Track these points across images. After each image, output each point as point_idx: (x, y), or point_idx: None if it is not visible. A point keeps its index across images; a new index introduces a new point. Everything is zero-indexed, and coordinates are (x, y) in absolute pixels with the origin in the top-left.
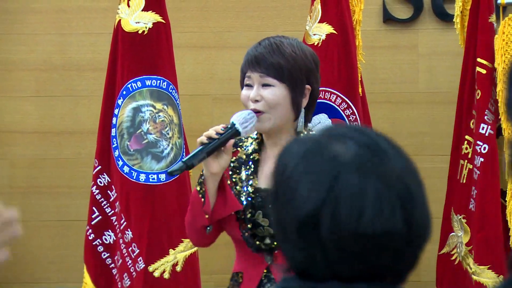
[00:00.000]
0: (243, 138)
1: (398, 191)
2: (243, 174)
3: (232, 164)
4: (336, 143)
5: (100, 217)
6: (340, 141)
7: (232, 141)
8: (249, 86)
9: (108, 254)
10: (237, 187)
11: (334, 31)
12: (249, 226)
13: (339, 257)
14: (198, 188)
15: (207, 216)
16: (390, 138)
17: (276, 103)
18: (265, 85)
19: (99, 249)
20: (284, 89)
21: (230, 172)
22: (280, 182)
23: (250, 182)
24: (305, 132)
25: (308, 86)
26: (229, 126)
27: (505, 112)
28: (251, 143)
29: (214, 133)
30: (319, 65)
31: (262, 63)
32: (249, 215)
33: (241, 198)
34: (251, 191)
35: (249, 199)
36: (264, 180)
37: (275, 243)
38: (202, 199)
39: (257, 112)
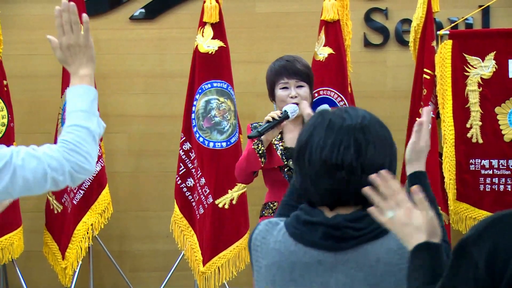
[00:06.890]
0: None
1: (355, 138)
2: (275, 139)
3: None
4: (331, 113)
5: (184, 169)
6: (334, 112)
7: (285, 122)
8: (286, 88)
9: (190, 193)
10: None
11: (333, 52)
12: (285, 169)
13: (318, 180)
14: (255, 147)
15: (262, 166)
16: (369, 113)
17: (306, 97)
18: (298, 86)
19: (184, 190)
20: (308, 88)
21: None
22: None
23: (281, 143)
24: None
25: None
26: (283, 112)
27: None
28: None
29: (276, 116)
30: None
31: (298, 72)
32: (285, 162)
33: (278, 152)
34: (282, 148)
35: (282, 153)
36: (288, 142)
37: None
38: (262, 159)
39: (296, 104)
